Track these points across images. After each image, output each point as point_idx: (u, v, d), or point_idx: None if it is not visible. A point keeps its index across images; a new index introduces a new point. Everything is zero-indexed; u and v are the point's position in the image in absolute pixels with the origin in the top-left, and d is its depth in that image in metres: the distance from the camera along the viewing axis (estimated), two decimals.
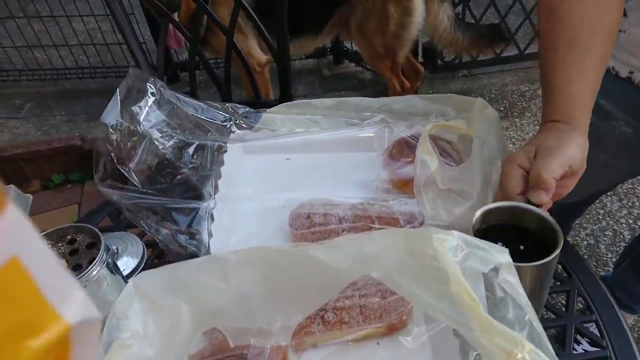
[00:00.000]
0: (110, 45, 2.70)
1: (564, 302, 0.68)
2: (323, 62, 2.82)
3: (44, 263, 0.17)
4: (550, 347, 0.47)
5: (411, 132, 0.83)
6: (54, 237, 0.65)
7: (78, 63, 2.86)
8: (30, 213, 2.14)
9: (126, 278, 0.69)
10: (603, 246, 1.69)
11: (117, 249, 0.72)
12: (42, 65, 2.80)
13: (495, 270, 0.51)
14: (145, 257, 0.77)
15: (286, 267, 0.58)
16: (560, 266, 0.71)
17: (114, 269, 0.65)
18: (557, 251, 0.58)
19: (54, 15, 2.70)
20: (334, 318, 0.61)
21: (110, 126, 0.71)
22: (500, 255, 0.49)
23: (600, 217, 1.78)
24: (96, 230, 0.64)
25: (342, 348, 0.62)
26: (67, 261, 0.62)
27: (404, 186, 0.77)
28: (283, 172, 0.88)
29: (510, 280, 0.50)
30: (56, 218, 2.06)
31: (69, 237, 0.65)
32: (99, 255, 0.61)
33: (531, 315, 0.48)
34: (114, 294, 0.64)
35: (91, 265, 0.60)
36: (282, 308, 0.56)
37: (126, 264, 0.75)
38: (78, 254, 0.63)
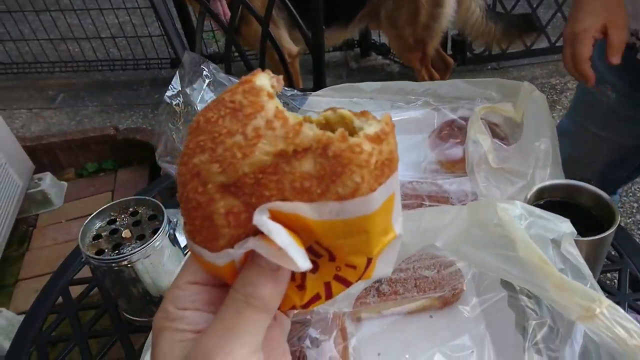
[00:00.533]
0: (140, 38, 2.75)
1: (616, 281, 0.68)
2: (350, 55, 2.83)
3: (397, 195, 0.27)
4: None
5: (458, 115, 0.84)
6: (117, 209, 0.68)
7: (109, 55, 2.91)
8: (65, 200, 2.19)
9: (184, 251, 0.71)
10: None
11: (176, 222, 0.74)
12: (75, 57, 2.86)
13: (555, 241, 0.52)
14: None
15: None
16: (611, 246, 0.72)
17: (174, 240, 0.67)
18: (614, 226, 0.58)
19: (87, 8, 2.75)
20: (389, 290, 0.62)
21: (171, 106, 0.73)
22: (563, 224, 0.50)
23: (635, 210, 1.77)
24: (158, 202, 0.67)
25: (396, 319, 0.63)
26: (130, 231, 0.65)
27: (453, 167, 0.78)
28: None
29: (572, 251, 0.51)
30: (90, 205, 2.11)
31: (130, 209, 0.68)
32: (162, 226, 0.63)
33: (593, 283, 0.49)
34: (174, 263, 0.67)
35: (155, 235, 0.62)
36: None
37: (180, 238, 0.78)
38: (141, 225, 0.66)
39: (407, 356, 0.57)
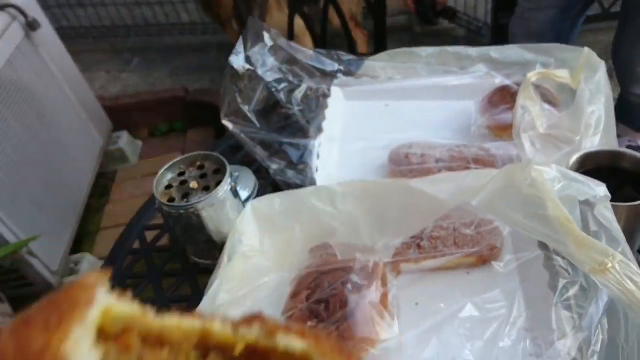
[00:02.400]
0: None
1: None
2: (415, 19, 2.78)
3: None
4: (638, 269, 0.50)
5: (512, 81, 0.85)
6: (186, 163, 0.76)
7: (180, 19, 3.03)
8: (140, 157, 2.35)
9: (244, 204, 0.78)
10: None
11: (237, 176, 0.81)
12: (148, 21, 3.00)
13: (591, 205, 0.54)
14: (257, 189, 0.86)
15: (388, 197, 0.65)
16: None
17: (235, 193, 0.74)
18: None
19: None
20: (429, 245, 0.66)
21: (235, 69, 0.79)
22: (597, 188, 0.52)
23: None
24: (222, 158, 0.74)
25: (434, 274, 0.68)
26: (198, 183, 0.72)
27: (502, 132, 0.80)
28: (382, 117, 0.93)
29: (607, 214, 0.53)
30: (163, 163, 2.26)
31: (198, 163, 0.76)
32: (225, 178, 0.70)
33: (625, 247, 0.51)
34: (235, 214, 0.74)
35: (219, 187, 0.70)
36: (384, 231, 0.63)
37: (241, 193, 0.85)
38: (207, 178, 0.73)
39: (442, 305, 0.62)
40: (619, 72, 1.56)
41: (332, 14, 1.49)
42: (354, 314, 0.59)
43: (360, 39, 2.14)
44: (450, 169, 0.75)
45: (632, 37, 1.42)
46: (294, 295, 0.64)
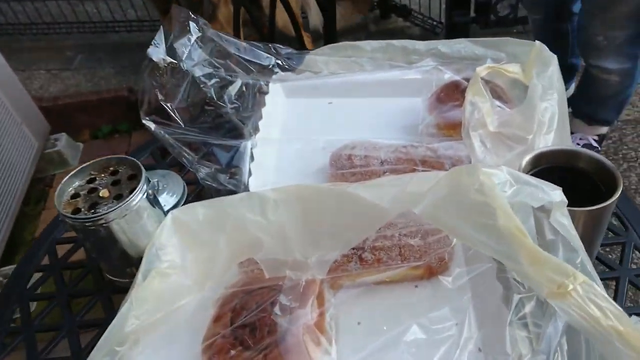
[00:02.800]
0: None
1: (619, 255, 0.64)
2: (369, 17, 2.74)
3: None
4: (603, 291, 0.44)
5: (461, 77, 0.79)
6: (97, 168, 0.66)
7: (126, 16, 2.88)
8: (80, 161, 2.21)
9: (166, 213, 0.69)
10: None
11: (158, 184, 0.72)
12: (92, 17, 2.84)
13: (546, 211, 0.48)
14: (186, 195, 0.77)
15: (324, 204, 0.57)
16: (615, 217, 0.67)
17: (154, 201, 0.65)
18: (615, 196, 0.54)
19: None
20: (371, 257, 0.59)
21: (155, 62, 0.70)
22: (552, 192, 0.46)
23: None
24: (137, 162, 0.65)
25: (378, 288, 0.61)
26: (109, 191, 0.63)
27: (451, 130, 0.74)
28: (325, 116, 0.86)
29: (563, 221, 0.47)
30: None
31: (111, 168, 0.66)
32: (139, 185, 0.61)
33: (584, 257, 0.45)
34: (154, 225, 0.65)
35: (132, 195, 0.61)
36: (319, 243, 0.55)
37: (167, 200, 0.76)
38: (120, 185, 0.64)
39: (384, 327, 0.54)
40: (580, 43, 1.58)
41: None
42: (285, 340, 0.51)
43: (306, 39, 2.07)
44: (396, 171, 0.69)
45: (592, 6, 1.42)
46: (217, 319, 0.55)
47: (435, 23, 2.45)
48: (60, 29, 2.85)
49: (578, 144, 1.67)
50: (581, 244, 0.46)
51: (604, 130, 1.74)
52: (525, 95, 0.74)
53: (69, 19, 2.83)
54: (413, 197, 0.51)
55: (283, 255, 0.55)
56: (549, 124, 0.68)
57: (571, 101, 1.66)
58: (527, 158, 0.59)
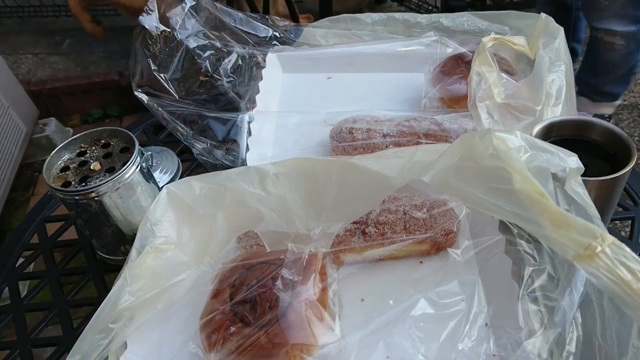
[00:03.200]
0: None
1: (628, 231, 0.62)
2: (364, 2, 2.70)
3: None
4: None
5: (465, 49, 0.77)
6: (88, 141, 0.63)
7: None
8: None
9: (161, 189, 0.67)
10: None
11: (152, 158, 0.69)
12: None
13: (559, 180, 0.46)
14: (180, 172, 0.75)
15: (327, 176, 0.55)
16: (624, 192, 0.66)
17: (148, 176, 0.63)
18: (630, 165, 0.52)
19: None
20: (375, 232, 0.57)
21: (147, 30, 0.67)
22: (569, 159, 0.44)
23: None
24: (130, 134, 0.62)
25: (382, 265, 0.58)
26: (100, 164, 0.60)
27: (456, 104, 0.71)
28: (324, 90, 0.83)
29: (579, 190, 0.45)
30: None
31: (102, 140, 0.63)
32: (132, 158, 0.59)
33: (600, 226, 0.43)
34: (148, 201, 0.62)
35: (124, 167, 0.58)
36: (322, 216, 0.53)
37: (160, 178, 0.73)
38: (112, 158, 0.61)
39: (390, 302, 0.52)
40: (584, 5, 1.58)
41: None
42: (286, 316, 0.49)
43: (304, 20, 2.03)
44: (399, 145, 0.66)
45: None
46: (215, 294, 0.53)
47: (430, 7, 2.42)
48: (48, 12, 2.78)
49: None
50: (598, 214, 0.44)
51: (609, 109, 1.73)
52: (531, 69, 0.72)
53: (56, 2, 2.76)
54: (421, 165, 0.48)
55: (285, 228, 0.53)
56: (557, 96, 0.66)
57: (576, 78, 1.65)
58: (538, 128, 0.57)
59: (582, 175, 0.50)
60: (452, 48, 0.78)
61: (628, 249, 0.33)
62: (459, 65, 0.74)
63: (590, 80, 1.68)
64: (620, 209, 0.64)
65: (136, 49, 0.66)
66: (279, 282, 0.49)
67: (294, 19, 1.41)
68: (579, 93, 1.71)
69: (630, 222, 0.63)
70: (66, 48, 2.70)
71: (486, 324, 0.50)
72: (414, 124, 0.69)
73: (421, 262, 0.58)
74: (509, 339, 0.45)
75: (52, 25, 2.82)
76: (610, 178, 0.52)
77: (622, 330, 0.41)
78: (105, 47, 2.68)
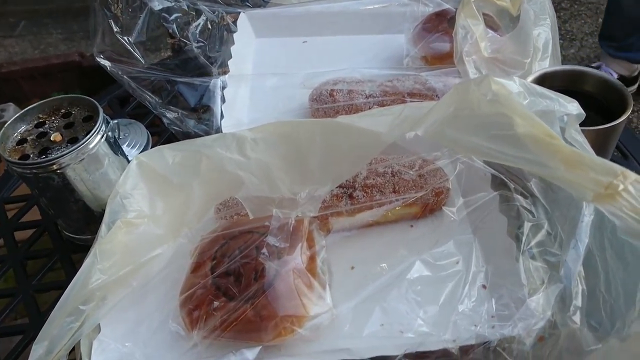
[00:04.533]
0: None
1: None
2: None
3: None
4: None
5: (448, 6, 0.73)
6: (46, 110, 0.58)
7: None
8: None
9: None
10: None
11: (119, 130, 0.64)
12: None
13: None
14: (150, 145, 0.70)
15: (310, 138, 0.51)
16: (615, 147, 0.64)
17: (115, 147, 0.58)
18: (626, 114, 0.50)
19: None
20: (363, 196, 0.54)
21: None
22: (569, 105, 0.42)
23: None
24: (93, 100, 0.57)
25: (371, 231, 0.55)
26: (61, 134, 0.55)
27: (440, 62, 0.68)
28: (300, 55, 0.79)
29: (578, 137, 0.43)
30: None
31: (62, 110, 0.58)
32: (97, 126, 0.54)
33: None
34: (117, 174, 0.58)
35: (88, 136, 0.53)
36: (307, 179, 0.50)
37: (129, 152, 0.68)
38: (74, 127, 0.56)
39: (384, 266, 0.49)
40: None
41: None
42: (274, 286, 0.45)
43: None
44: (383, 105, 0.63)
45: None
46: (195, 268, 0.49)
47: None
48: None
49: None
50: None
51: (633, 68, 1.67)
52: (514, 26, 0.69)
53: None
54: (413, 120, 0.45)
55: (268, 193, 0.49)
56: (544, 50, 0.64)
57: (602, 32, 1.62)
58: (531, 78, 0.54)
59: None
60: (432, 6, 0.75)
61: None
62: (441, 22, 0.71)
63: (615, 30, 1.60)
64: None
65: (96, 10, 0.61)
66: (264, 251, 0.46)
67: None
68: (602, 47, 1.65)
69: None
70: (22, 30, 2.57)
71: (483, 286, 0.48)
72: (397, 84, 0.66)
73: (412, 225, 0.55)
74: (512, 298, 0.43)
75: (6, 8, 2.68)
76: (606, 127, 0.50)
77: (627, 282, 0.39)
78: (64, 28, 2.55)
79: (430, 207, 0.55)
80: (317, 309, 0.47)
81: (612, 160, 0.63)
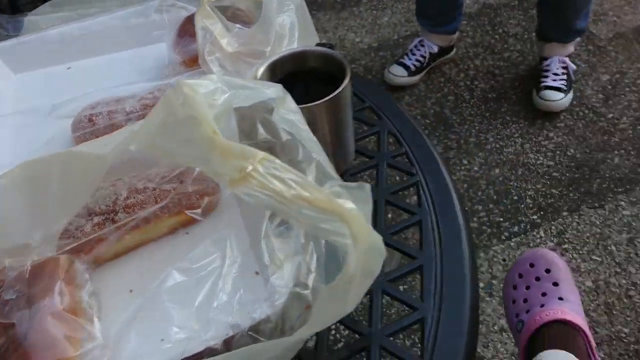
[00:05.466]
0: None
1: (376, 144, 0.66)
2: None
3: None
4: (336, 175, 0.43)
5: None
6: None
7: None
8: None
9: None
10: (447, 110, 1.77)
11: None
12: None
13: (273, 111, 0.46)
14: None
15: (48, 172, 0.49)
16: (369, 110, 0.69)
17: None
18: (345, 82, 0.54)
19: None
20: (126, 217, 0.53)
21: None
22: (269, 90, 0.44)
23: (442, 85, 1.85)
24: None
25: (147, 248, 0.55)
26: None
27: (195, 63, 0.68)
28: (66, 83, 0.75)
29: (290, 117, 0.45)
30: None
31: None
32: None
33: (313, 147, 0.44)
34: None
35: None
36: (43, 216, 0.48)
37: None
38: None
39: (152, 284, 0.49)
40: None
41: None
42: (28, 338, 0.43)
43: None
44: (142, 119, 0.62)
45: None
46: None
47: None
48: None
49: (558, 69, 1.67)
50: (310, 135, 0.45)
51: (572, 48, 1.75)
52: None
53: None
54: (132, 134, 0.45)
55: (1, 245, 0.46)
56: (290, 35, 0.66)
57: (539, 26, 1.69)
58: (261, 70, 0.57)
59: (306, 103, 0.51)
60: (187, 12, 0.75)
61: (278, 160, 0.33)
62: (193, 25, 0.71)
63: (557, 22, 1.65)
64: (366, 127, 0.67)
65: None
66: (5, 309, 0.43)
67: (13, 9, 1.23)
68: (546, 39, 1.70)
69: (376, 137, 0.66)
70: None
71: (256, 272, 0.49)
72: (158, 94, 0.65)
73: (187, 232, 0.56)
74: (263, 279, 0.45)
75: None
76: (330, 98, 0.53)
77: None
78: None
79: (203, 210, 0.56)
80: (87, 344, 0.45)
81: (368, 124, 0.69)
